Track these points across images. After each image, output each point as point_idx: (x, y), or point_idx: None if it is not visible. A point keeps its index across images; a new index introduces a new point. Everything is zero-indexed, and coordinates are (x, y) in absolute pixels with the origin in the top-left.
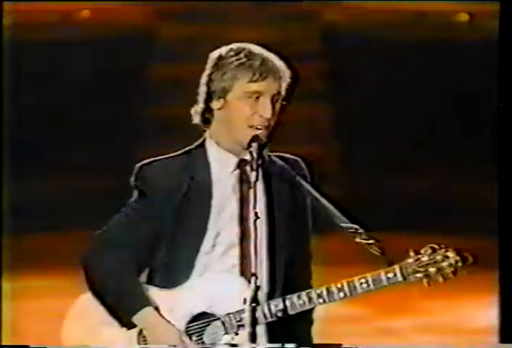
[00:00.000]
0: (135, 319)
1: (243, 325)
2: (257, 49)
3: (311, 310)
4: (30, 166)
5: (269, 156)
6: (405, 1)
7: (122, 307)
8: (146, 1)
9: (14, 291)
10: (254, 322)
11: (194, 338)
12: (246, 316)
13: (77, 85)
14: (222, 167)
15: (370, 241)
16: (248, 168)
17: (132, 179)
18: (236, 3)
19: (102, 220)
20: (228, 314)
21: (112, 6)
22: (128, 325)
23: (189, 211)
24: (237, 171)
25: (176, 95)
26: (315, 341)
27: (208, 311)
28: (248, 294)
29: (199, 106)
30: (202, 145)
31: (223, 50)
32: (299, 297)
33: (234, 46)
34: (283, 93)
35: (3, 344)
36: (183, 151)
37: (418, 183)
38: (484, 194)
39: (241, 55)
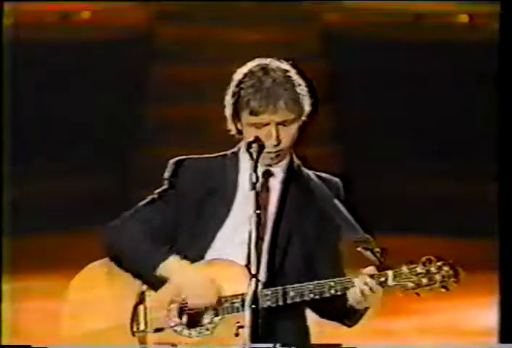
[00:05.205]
0: (161, 269)
1: (231, 309)
2: (274, 71)
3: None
4: (30, 166)
5: (303, 172)
6: (404, 2)
7: (144, 263)
8: (147, 2)
9: (14, 292)
10: (254, 323)
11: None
12: (246, 317)
13: (77, 85)
14: (249, 177)
15: (377, 250)
16: (270, 179)
17: (166, 172)
18: (236, 4)
19: (102, 220)
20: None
21: (111, 8)
22: (154, 281)
23: (209, 210)
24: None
25: (176, 95)
26: (314, 341)
27: None
28: (248, 296)
29: (229, 120)
30: (237, 153)
31: (243, 71)
32: (292, 289)
33: (254, 66)
34: (290, 118)
35: (4, 344)
36: (218, 154)
37: (418, 184)
38: (484, 195)
39: (251, 83)
